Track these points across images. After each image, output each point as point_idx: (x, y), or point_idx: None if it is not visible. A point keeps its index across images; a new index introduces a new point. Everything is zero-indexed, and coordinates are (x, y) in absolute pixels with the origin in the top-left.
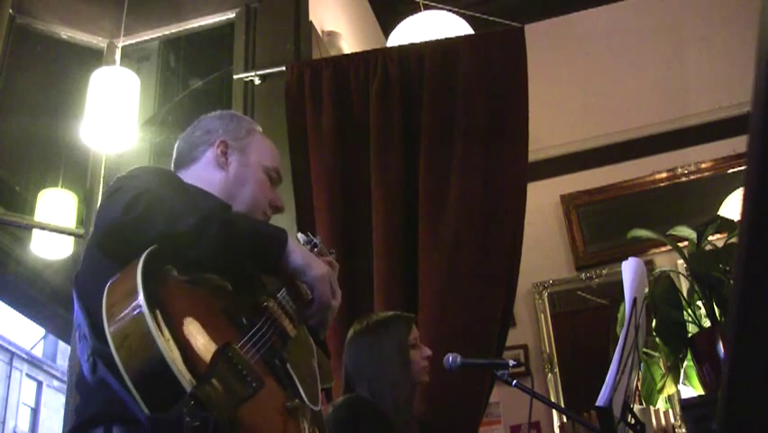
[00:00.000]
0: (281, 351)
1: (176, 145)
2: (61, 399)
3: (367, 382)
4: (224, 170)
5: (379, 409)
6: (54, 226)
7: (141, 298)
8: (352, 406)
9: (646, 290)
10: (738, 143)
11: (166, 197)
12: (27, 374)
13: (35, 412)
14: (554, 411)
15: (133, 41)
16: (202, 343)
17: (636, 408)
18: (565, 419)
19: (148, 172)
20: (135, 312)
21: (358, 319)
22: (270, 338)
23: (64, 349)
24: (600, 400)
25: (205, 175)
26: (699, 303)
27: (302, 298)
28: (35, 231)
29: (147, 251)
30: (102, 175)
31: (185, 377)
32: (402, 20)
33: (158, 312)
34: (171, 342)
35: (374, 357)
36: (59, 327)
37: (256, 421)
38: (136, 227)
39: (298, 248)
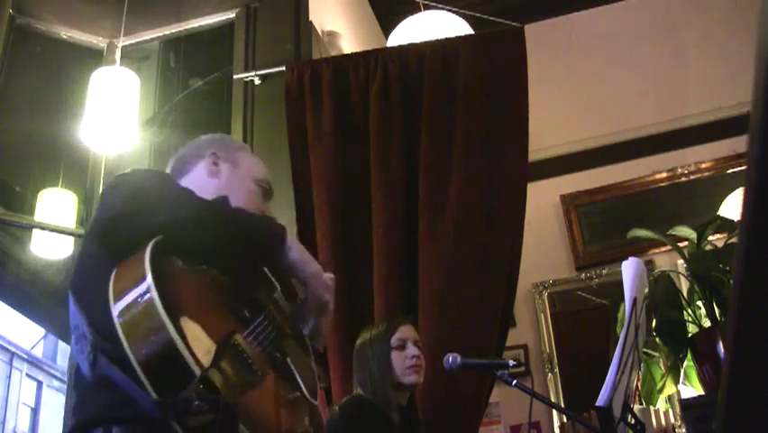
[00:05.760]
0: (282, 345)
1: (168, 164)
2: (61, 399)
3: (358, 384)
4: (216, 178)
5: (382, 409)
6: (54, 226)
7: (150, 282)
8: (355, 406)
9: (646, 290)
10: (738, 143)
11: (165, 189)
12: (27, 374)
13: (35, 412)
14: (554, 411)
15: (133, 41)
16: (209, 329)
17: (636, 408)
18: (565, 419)
19: (146, 172)
20: (145, 297)
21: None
22: (271, 333)
23: (64, 349)
24: (600, 400)
25: (198, 183)
26: (699, 303)
27: (295, 298)
28: (35, 231)
29: (153, 240)
30: (102, 175)
31: (194, 361)
32: (402, 20)
33: (166, 298)
34: (180, 327)
35: (358, 359)
36: (59, 327)
37: (260, 410)
38: (138, 218)
39: (296, 245)
